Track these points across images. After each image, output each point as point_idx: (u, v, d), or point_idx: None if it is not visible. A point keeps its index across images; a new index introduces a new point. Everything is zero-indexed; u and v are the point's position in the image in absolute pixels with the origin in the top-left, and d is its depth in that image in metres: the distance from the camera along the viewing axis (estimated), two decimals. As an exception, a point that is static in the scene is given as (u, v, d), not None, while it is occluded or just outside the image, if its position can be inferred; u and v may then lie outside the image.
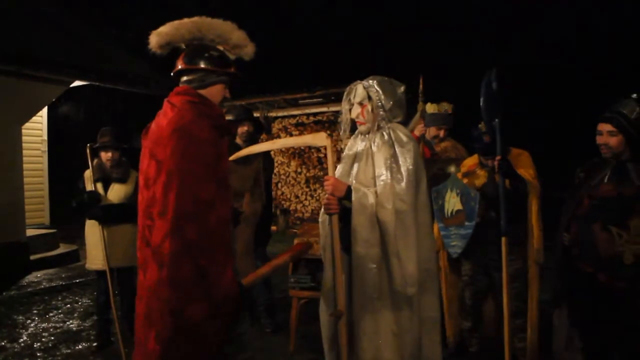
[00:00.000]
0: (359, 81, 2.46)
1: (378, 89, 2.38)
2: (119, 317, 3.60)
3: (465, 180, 3.20)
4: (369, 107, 2.40)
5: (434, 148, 3.89)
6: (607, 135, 2.70)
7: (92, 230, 3.83)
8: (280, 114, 11.06)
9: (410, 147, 2.33)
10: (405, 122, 2.51)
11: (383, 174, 2.30)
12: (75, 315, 4.85)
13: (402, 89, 2.45)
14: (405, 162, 2.29)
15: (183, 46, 2.12)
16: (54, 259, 7.35)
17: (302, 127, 10.78)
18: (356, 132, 2.54)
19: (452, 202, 3.11)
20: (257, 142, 4.12)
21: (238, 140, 3.99)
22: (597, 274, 2.68)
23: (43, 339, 4.18)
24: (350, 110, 2.49)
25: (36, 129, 8.59)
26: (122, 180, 3.91)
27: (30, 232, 7.43)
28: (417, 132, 3.65)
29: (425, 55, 11.47)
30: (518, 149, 3.26)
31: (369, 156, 2.40)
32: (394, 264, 2.24)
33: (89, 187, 3.81)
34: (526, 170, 3.09)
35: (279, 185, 11.04)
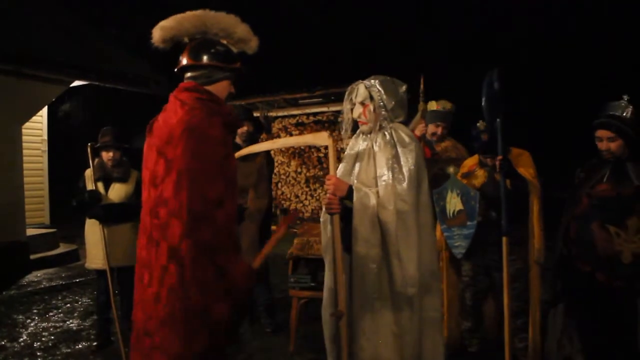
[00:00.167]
0: (360, 81, 2.45)
1: (380, 88, 2.38)
2: (119, 317, 3.60)
3: (464, 181, 3.20)
4: (371, 107, 2.39)
5: (435, 148, 3.89)
6: (607, 141, 2.73)
7: (92, 230, 3.83)
8: (280, 113, 11.07)
9: (412, 147, 2.33)
10: (405, 122, 2.51)
11: (385, 174, 2.30)
12: (75, 314, 4.85)
13: (403, 88, 2.44)
14: (407, 163, 2.29)
15: (186, 40, 2.07)
16: (54, 258, 7.35)
17: (302, 127, 10.78)
18: (357, 131, 2.53)
19: (453, 203, 3.12)
20: (257, 142, 4.12)
21: (238, 140, 3.99)
22: (596, 273, 2.69)
23: (43, 339, 4.18)
24: (351, 109, 2.48)
25: (36, 128, 8.60)
26: (122, 179, 3.91)
27: (30, 232, 7.43)
28: (417, 132, 3.65)
29: (426, 55, 11.47)
30: (518, 149, 3.26)
31: (371, 156, 2.39)
32: (395, 264, 2.24)
33: (90, 186, 3.81)
34: (526, 170, 3.10)
35: (279, 185, 11.04)
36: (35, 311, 4.98)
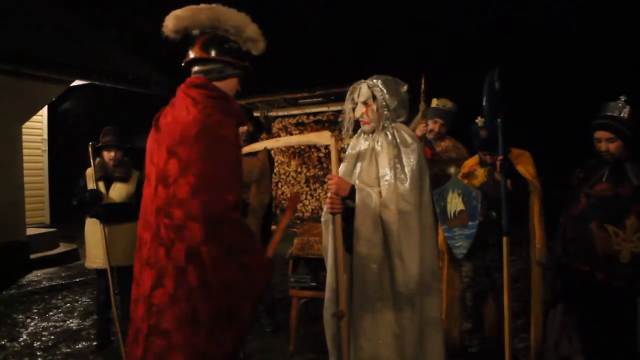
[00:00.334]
0: (362, 80, 2.45)
1: (383, 88, 2.37)
2: (119, 316, 3.60)
3: (465, 181, 3.20)
4: (374, 107, 2.39)
5: (435, 148, 3.89)
6: (606, 142, 2.74)
7: (93, 229, 3.83)
8: (280, 113, 11.07)
9: (415, 147, 2.33)
10: (406, 122, 2.51)
11: (387, 174, 2.30)
12: (75, 314, 4.85)
13: (405, 88, 2.45)
14: (410, 163, 2.29)
15: (194, 33, 2.04)
16: (54, 258, 7.35)
17: (302, 127, 10.78)
18: (359, 131, 2.53)
19: (454, 203, 3.12)
20: (257, 141, 4.12)
21: (238, 140, 3.98)
22: (595, 273, 2.70)
23: (43, 338, 4.18)
24: (353, 109, 2.48)
25: (36, 128, 8.60)
26: (124, 179, 3.91)
27: (30, 231, 7.43)
28: (418, 132, 3.65)
29: (426, 55, 11.48)
30: (519, 149, 3.26)
31: (373, 156, 2.39)
32: (397, 264, 2.24)
33: (91, 185, 3.82)
34: (527, 170, 3.10)
35: (279, 185, 11.04)
36: (35, 311, 4.98)
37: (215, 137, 1.86)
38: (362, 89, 2.42)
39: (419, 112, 4.06)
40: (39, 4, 8.34)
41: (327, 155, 10.43)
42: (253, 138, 4.07)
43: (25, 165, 7.36)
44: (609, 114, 2.79)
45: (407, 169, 2.28)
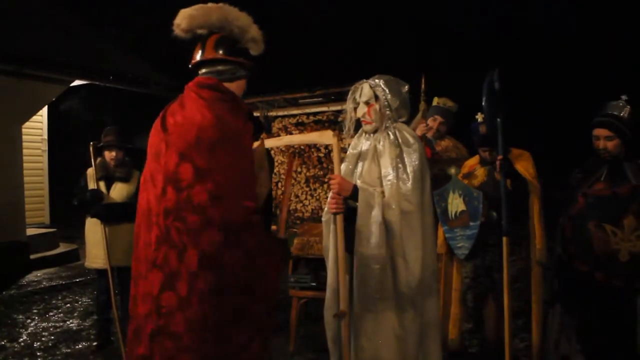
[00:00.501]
0: (364, 80, 2.45)
1: (385, 88, 2.37)
2: (119, 317, 3.60)
3: (465, 182, 3.20)
4: (377, 107, 2.38)
5: (435, 148, 3.89)
6: (604, 140, 2.75)
7: (93, 229, 3.83)
8: (280, 113, 11.04)
9: (416, 147, 2.33)
10: (407, 122, 2.51)
11: (390, 174, 2.30)
12: (75, 314, 4.85)
13: (406, 88, 2.45)
14: (412, 163, 2.29)
15: (200, 32, 2.02)
16: (54, 258, 7.35)
17: (302, 127, 10.77)
18: (360, 131, 2.53)
19: (455, 204, 3.11)
20: (257, 141, 4.12)
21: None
22: (594, 273, 2.69)
23: (43, 338, 4.18)
24: (355, 109, 2.48)
25: (36, 128, 8.59)
26: (125, 179, 3.91)
27: (30, 232, 7.43)
28: (418, 132, 3.65)
29: (426, 55, 11.48)
30: (519, 149, 3.26)
31: (374, 156, 2.39)
32: (400, 264, 2.23)
33: (92, 185, 3.83)
34: (526, 170, 3.10)
35: (279, 185, 11.03)
36: (35, 311, 4.98)
37: (235, 145, 1.86)
38: (364, 89, 2.42)
39: (419, 112, 4.06)
40: (39, 4, 8.34)
41: (327, 155, 10.42)
42: (253, 138, 4.06)
43: (25, 165, 7.36)
44: (609, 112, 2.79)
45: (409, 169, 2.28)
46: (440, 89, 4.15)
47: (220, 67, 2.00)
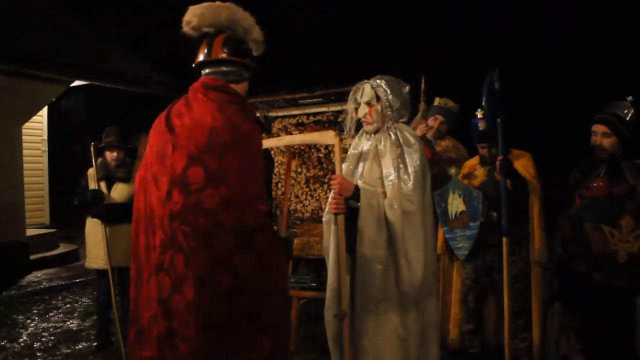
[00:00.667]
0: (366, 80, 2.45)
1: (386, 88, 2.37)
2: (119, 317, 3.60)
3: (465, 182, 3.20)
4: (378, 107, 2.38)
5: (435, 148, 3.89)
6: (601, 137, 2.75)
7: (94, 229, 3.83)
8: (280, 113, 11.03)
9: (417, 147, 2.33)
10: (407, 122, 2.51)
11: (391, 174, 2.30)
12: (75, 314, 4.85)
13: (407, 88, 2.45)
14: (413, 163, 2.29)
15: (205, 31, 1.99)
16: (54, 258, 7.35)
17: (302, 127, 10.76)
18: (361, 131, 2.53)
19: (455, 204, 3.11)
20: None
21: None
22: (593, 273, 2.69)
23: (43, 339, 4.18)
24: (356, 109, 2.48)
25: (36, 128, 8.59)
26: (126, 179, 3.91)
27: (30, 232, 7.43)
28: (418, 132, 3.65)
29: (426, 55, 11.47)
30: (519, 150, 3.26)
31: (375, 156, 2.39)
32: (403, 265, 2.23)
33: (92, 185, 3.83)
34: (526, 170, 3.09)
35: (279, 185, 11.03)
36: (35, 311, 4.97)
37: (246, 147, 1.84)
38: (366, 90, 2.41)
39: (419, 112, 4.06)
40: (39, 4, 8.34)
41: (327, 155, 10.41)
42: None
43: (25, 165, 7.36)
44: (612, 111, 2.78)
45: (410, 169, 2.28)
46: (440, 89, 4.15)
47: (225, 68, 1.97)
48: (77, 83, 7.93)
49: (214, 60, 1.98)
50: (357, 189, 2.27)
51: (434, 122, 3.87)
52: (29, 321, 4.66)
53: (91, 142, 3.90)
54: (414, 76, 3.61)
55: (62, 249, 7.79)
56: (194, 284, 1.79)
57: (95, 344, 3.95)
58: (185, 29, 1.99)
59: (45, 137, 8.90)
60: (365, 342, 2.27)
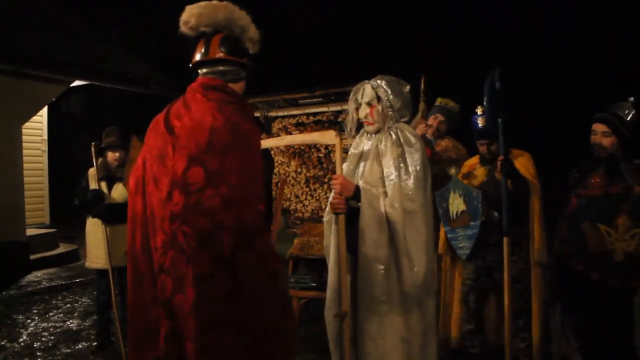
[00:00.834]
0: (366, 81, 2.44)
1: (387, 89, 2.37)
2: (119, 317, 3.60)
3: (465, 182, 3.20)
4: (379, 108, 2.38)
5: (435, 148, 3.89)
6: (601, 136, 2.75)
7: (94, 229, 3.84)
8: (280, 113, 11.04)
9: (418, 146, 2.33)
10: (408, 122, 2.51)
11: (392, 174, 2.29)
12: (75, 314, 4.85)
13: (407, 88, 2.45)
14: (414, 162, 2.29)
15: (203, 30, 1.97)
16: (54, 258, 7.35)
17: (302, 127, 10.76)
18: (361, 131, 2.53)
19: (456, 204, 3.11)
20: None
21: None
22: (590, 273, 2.70)
23: (43, 339, 4.18)
24: (357, 110, 2.48)
25: (36, 128, 8.59)
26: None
27: (30, 232, 7.44)
28: (418, 132, 3.65)
29: (426, 55, 11.47)
30: (519, 150, 3.26)
31: (376, 156, 2.39)
32: (405, 264, 2.23)
33: (93, 185, 3.84)
34: (527, 170, 3.09)
35: (279, 185, 11.03)
36: (35, 311, 4.97)
37: (247, 148, 1.84)
38: (366, 90, 2.41)
39: (419, 112, 4.07)
40: (39, 4, 8.34)
41: (327, 155, 10.41)
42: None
43: (25, 165, 7.36)
44: (613, 111, 2.79)
45: (411, 169, 2.28)
46: (440, 89, 4.15)
47: (222, 68, 1.97)
48: (77, 83, 7.94)
49: (212, 59, 1.97)
50: (357, 189, 2.27)
51: (433, 120, 3.89)
52: (29, 321, 4.66)
53: (91, 142, 3.90)
54: (414, 76, 3.61)
55: (62, 249, 7.79)
56: (195, 285, 1.79)
57: (95, 344, 3.95)
58: (183, 28, 1.98)
59: (45, 137, 8.90)
60: (369, 344, 2.26)
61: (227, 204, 1.78)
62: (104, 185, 3.86)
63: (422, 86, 4.16)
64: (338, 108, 10.55)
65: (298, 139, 3.85)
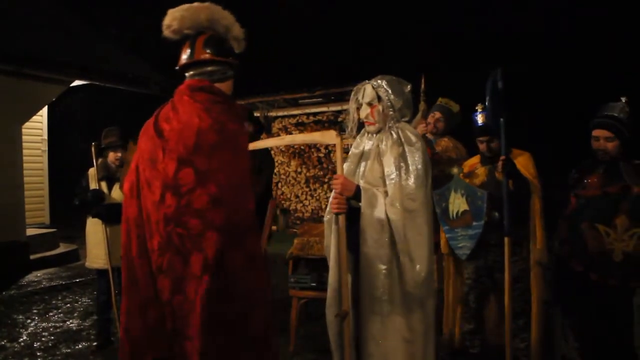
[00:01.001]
0: (367, 81, 2.44)
1: (388, 89, 2.37)
2: (119, 317, 3.60)
3: (467, 180, 3.19)
4: (380, 108, 2.38)
5: (435, 148, 3.89)
6: (604, 141, 2.75)
7: (94, 229, 3.84)
8: (280, 113, 11.05)
9: (419, 146, 2.33)
10: (409, 122, 2.51)
11: (393, 173, 2.29)
12: (75, 314, 4.85)
13: (408, 88, 2.44)
14: (414, 161, 2.29)
15: (186, 32, 2.00)
16: (54, 258, 7.35)
17: (302, 127, 10.78)
18: (362, 131, 2.53)
19: (457, 204, 3.10)
20: (258, 141, 4.12)
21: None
22: (589, 273, 2.70)
23: (43, 339, 4.17)
24: (358, 110, 2.48)
25: (36, 128, 8.60)
26: (126, 179, 3.91)
27: (30, 232, 7.44)
28: (418, 132, 3.66)
29: (426, 55, 11.48)
30: (519, 149, 3.26)
31: (377, 155, 2.39)
32: (406, 263, 2.22)
33: (93, 185, 3.83)
34: (527, 170, 3.09)
35: (279, 185, 11.04)
36: (35, 311, 4.97)
37: (234, 147, 1.85)
38: (367, 90, 2.41)
39: (419, 112, 4.08)
40: (39, 4, 8.34)
41: (327, 155, 10.42)
42: (253, 138, 4.06)
43: (25, 165, 7.36)
44: (609, 113, 2.80)
45: (411, 168, 2.28)
46: (440, 89, 4.16)
47: (209, 68, 1.98)
48: (77, 83, 7.93)
49: (198, 61, 1.98)
50: (358, 189, 2.27)
51: (431, 118, 3.92)
52: (29, 321, 4.66)
53: (91, 142, 3.90)
54: (414, 76, 3.61)
55: (62, 248, 7.79)
56: (192, 285, 1.81)
57: (95, 343, 3.95)
58: (166, 32, 2.00)
59: (45, 137, 8.91)
60: (371, 345, 2.25)
61: (216, 203, 1.80)
62: (104, 185, 3.86)
63: (423, 86, 4.16)
64: (338, 108, 10.58)
65: (298, 138, 3.84)
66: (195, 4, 2.00)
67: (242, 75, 2.12)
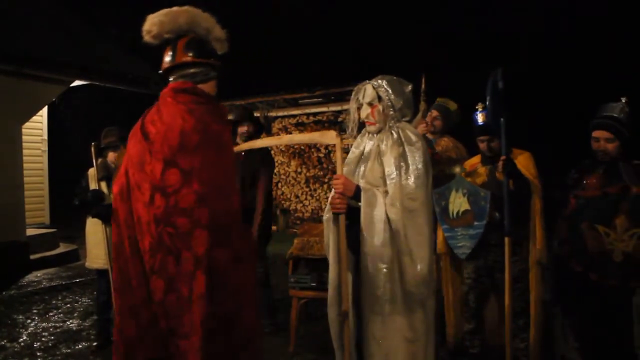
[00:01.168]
0: (367, 81, 2.44)
1: (388, 89, 2.37)
2: (118, 317, 3.60)
3: (468, 179, 3.19)
4: (380, 108, 2.38)
5: (435, 147, 3.89)
6: (604, 142, 2.75)
7: (94, 229, 3.84)
8: (280, 113, 11.06)
9: (419, 145, 2.33)
10: (409, 121, 2.51)
11: (393, 173, 2.29)
12: (75, 314, 4.85)
13: (409, 88, 2.44)
14: (415, 161, 2.29)
15: (167, 36, 2.03)
16: (54, 258, 7.35)
17: (302, 127, 10.78)
18: (363, 131, 2.53)
19: (458, 203, 3.09)
20: (257, 140, 4.13)
21: (238, 141, 4.02)
22: (588, 273, 2.70)
23: (43, 339, 4.17)
24: (358, 110, 2.48)
25: (36, 128, 8.60)
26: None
27: (30, 232, 7.43)
28: (418, 131, 3.65)
29: (426, 55, 11.47)
30: (519, 149, 3.26)
31: (377, 155, 2.39)
32: (407, 264, 2.22)
33: (93, 185, 3.84)
34: (527, 170, 3.09)
35: (279, 185, 11.04)
36: (35, 311, 4.97)
37: (217, 145, 1.87)
38: (367, 90, 2.41)
39: (419, 111, 4.08)
40: (39, 4, 8.34)
41: (327, 155, 10.42)
42: (253, 138, 4.08)
43: (25, 165, 7.36)
44: (609, 114, 2.80)
45: (412, 167, 2.28)
46: (440, 89, 4.16)
47: (192, 70, 2.01)
48: (77, 83, 7.93)
49: (179, 64, 2.01)
50: (358, 189, 2.27)
51: (429, 117, 3.92)
52: (29, 321, 4.66)
53: (91, 142, 3.90)
54: (415, 76, 3.61)
55: (62, 248, 7.79)
56: (184, 284, 1.84)
57: (95, 344, 3.95)
58: (146, 37, 2.04)
59: (45, 137, 8.91)
60: (372, 345, 2.25)
61: (201, 200, 1.82)
62: (104, 185, 3.86)
63: (423, 86, 4.16)
64: (338, 108, 10.59)
65: (298, 138, 3.84)
66: (174, 8, 2.03)
67: (242, 75, 2.13)
